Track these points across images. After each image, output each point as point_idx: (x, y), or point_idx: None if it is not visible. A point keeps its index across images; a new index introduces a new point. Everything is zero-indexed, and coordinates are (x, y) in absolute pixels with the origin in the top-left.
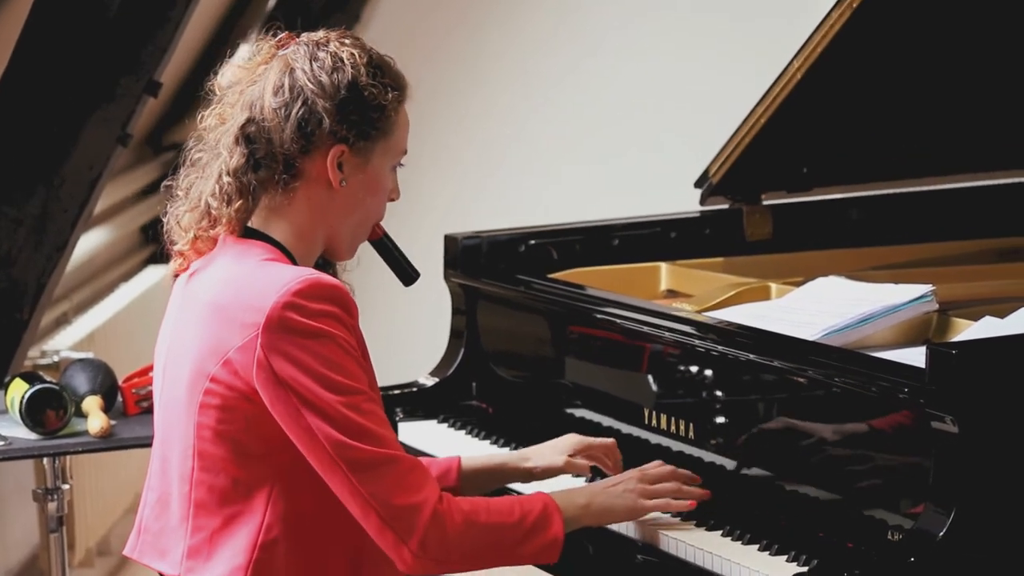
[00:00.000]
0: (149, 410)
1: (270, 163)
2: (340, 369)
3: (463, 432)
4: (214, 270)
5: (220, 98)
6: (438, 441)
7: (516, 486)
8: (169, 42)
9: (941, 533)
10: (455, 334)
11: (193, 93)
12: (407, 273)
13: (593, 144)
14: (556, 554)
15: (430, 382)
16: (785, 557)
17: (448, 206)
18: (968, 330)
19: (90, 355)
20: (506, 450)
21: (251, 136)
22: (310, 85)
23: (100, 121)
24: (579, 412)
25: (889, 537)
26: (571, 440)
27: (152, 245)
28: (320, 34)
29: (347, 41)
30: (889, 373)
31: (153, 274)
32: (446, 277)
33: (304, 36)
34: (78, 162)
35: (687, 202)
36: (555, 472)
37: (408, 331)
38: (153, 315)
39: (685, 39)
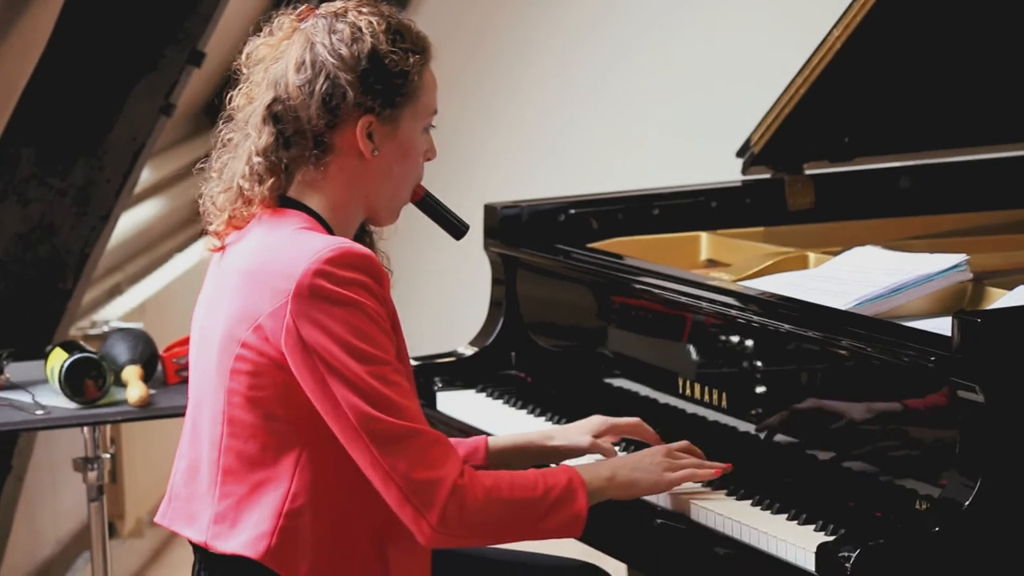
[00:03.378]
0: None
1: (300, 140)
2: (367, 338)
3: (500, 401)
4: (249, 240)
5: (247, 77)
6: (476, 410)
7: None
8: (212, 11)
9: (967, 503)
10: (495, 304)
11: None
12: (456, 227)
13: (636, 116)
14: (580, 528)
15: (469, 351)
16: (813, 526)
17: (489, 176)
18: (1002, 299)
19: (136, 325)
20: (542, 424)
21: (278, 115)
22: (331, 59)
23: (143, 92)
24: (617, 382)
25: (917, 507)
26: (596, 421)
27: None
28: (338, 4)
29: (364, 9)
30: (916, 342)
31: (205, 246)
32: (485, 247)
33: (323, 7)
34: (121, 133)
35: (728, 173)
36: (579, 452)
37: (448, 301)
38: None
39: (728, 11)
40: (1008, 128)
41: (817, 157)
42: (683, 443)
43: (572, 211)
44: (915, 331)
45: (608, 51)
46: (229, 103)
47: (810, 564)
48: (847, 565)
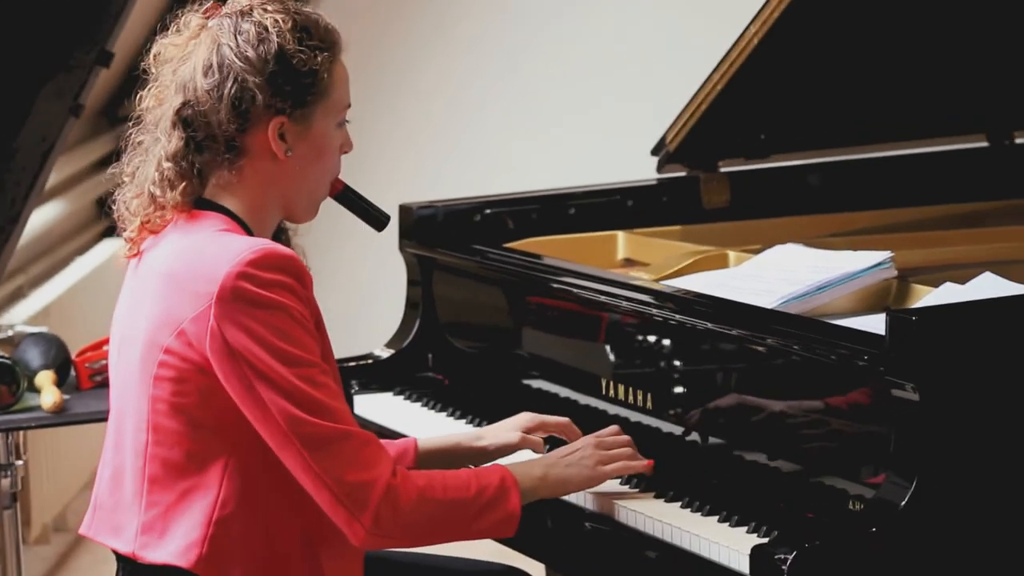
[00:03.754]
0: (103, 384)
1: (211, 144)
2: (293, 340)
3: (419, 404)
4: (166, 243)
5: (155, 77)
6: (395, 413)
7: None
8: (121, 11)
9: (903, 503)
10: (410, 305)
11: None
12: (377, 219)
13: (549, 112)
14: (513, 528)
15: (385, 354)
16: (745, 528)
17: (404, 178)
18: (928, 296)
19: (44, 329)
20: (463, 427)
21: (188, 119)
22: (238, 62)
23: (52, 93)
24: (536, 383)
25: (850, 507)
26: (524, 417)
27: (107, 219)
28: (245, 2)
29: (270, 7)
30: (848, 340)
31: (108, 247)
32: (401, 247)
33: (229, 4)
34: (30, 134)
35: (642, 171)
36: (510, 450)
37: (362, 302)
38: (108, 289)
39: (641, 3)
40: (923, 124)
41: (732, 155)
42: (611, 428)
43: (488, 211)
44: (847, 329)
45: (515, 47)
46: (138, 104)
47: (744, 567)
48: (783, 568)
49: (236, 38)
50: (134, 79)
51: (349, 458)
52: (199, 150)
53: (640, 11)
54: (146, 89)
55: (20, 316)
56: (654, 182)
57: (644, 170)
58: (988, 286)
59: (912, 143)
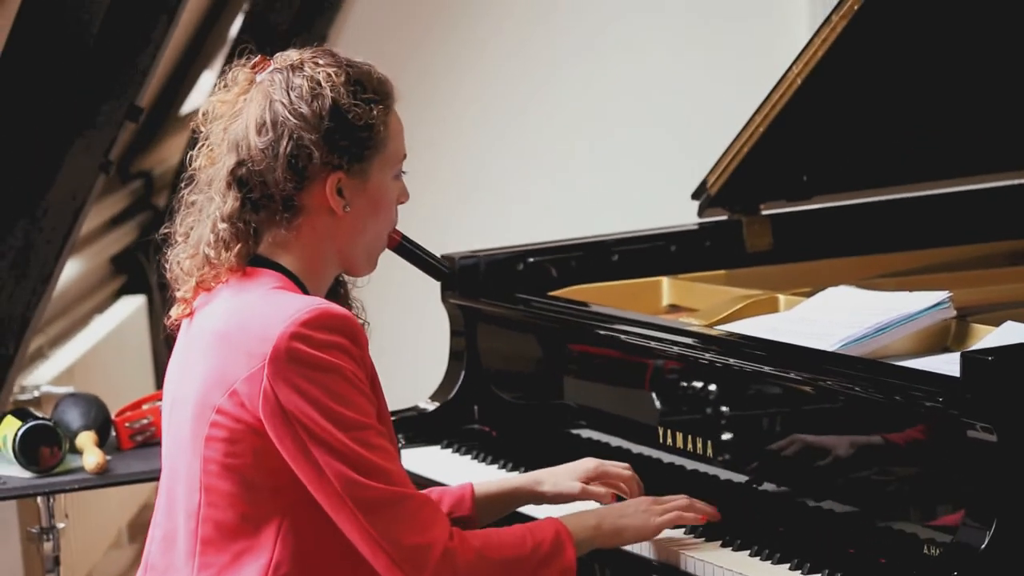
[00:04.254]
0: (144, 444)
1: (268, 203)
2: (348, 403)
3: (468, 457)
4: (219, 301)
5: (206, 136)
6: (444, 467)
7: (529, 510)
8: (150, 66)
9: (982, 546)
10: (455, 356)
11: (159, 120)
12: (437, 269)
13: (583, 156)
14: None
15: (431, 406)
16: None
17: (428, 223)
18: (989, 336)
19: (70, 389)
20: (517, 474)
21: (243, 179)
22: (292, 119)
23: (82, 149)
24: (586, 433)
25: (925, 552)
26: (587, 465)
27: (123, 275)
28: (294, 55)
29: (321, 61)
30: (920, 382)
31: (127, 305)
32: (443, 298)
33: (278, 57)
34: (61, 191)
35: (678, 215)
36: (569, 499)
37: (406, 355)
38: (130, 346)
39: (678, 42)
40: (968, 161)
41: (775, 197)
42: (678, 498)
43: (531, 259)
44: (918, 372)
45: (550, 93)
46: (190, 164)
47: None
48: None
49: (289, 94)
50: (145, 135)
51: (406, 521)
52: (255, 209)
53: (676, 48)
54: (197, 148)
55: (44, 377)
56: (696, 227)
57: (678, 215)
58: None
59: (954, 181)
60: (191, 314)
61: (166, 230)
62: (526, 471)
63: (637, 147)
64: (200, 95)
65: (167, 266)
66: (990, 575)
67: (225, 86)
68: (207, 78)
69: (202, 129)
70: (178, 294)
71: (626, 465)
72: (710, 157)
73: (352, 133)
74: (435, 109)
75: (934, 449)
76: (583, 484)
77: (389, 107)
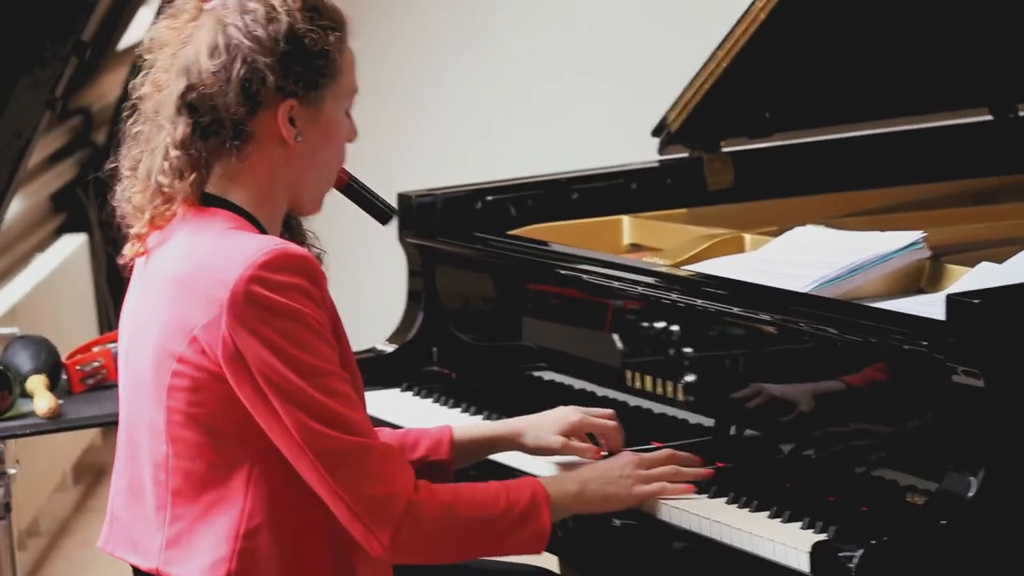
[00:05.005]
0: (95, 387)
1: (218, 129)
2: (308, 348)
3: (430, 400)
4: (175, 243)
5: (151, 63)
6: (405, 411)
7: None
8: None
9: (970, 494)
10: (412, 297)
11: (97, 56)
12: (383, 212)
13: (540, 93)
14: (542, 546)
15: (389, 348)
16: (799, 524)
17: (385, 163)
18: (965, 277)
19: (15, 330)
20: (498, 422)
21: (193, 104)
22: (246, 42)
23: (28, 86)
24: (548, 375)
25: (908, 500)
26: (570, 417)
27: (63, 213)
28: None
29: None
30: (902, 325)
31: (69, 243)
32: (400, 238)
33: None
34: (5, 129)
35: (638, 152)
36: (549, 452)
37: (362, 296)
38: (75, 285)
39: None
40: (930, 98)
41: (736, 134)
42: (663, 453)
43: (489, 197)
44: (901, 315)
45: (505, 27)
46: (133, 93)
47: (803, 565)
48: (850, 565)
49: (243, 17)
50: (82, 71)
51: (367, 472)
52: (204, 136)
53: None
54: (141, 76)
55: None
56: (656, 164)
57: (636, 152)
58: None
59: (918, 118)
60: (145, 253)
61: (112, 164)
62: (489, 415)
63: (595, 83)
64: (138, 31)
65: (116, 202)
66: (979, 524)
67: (173, 15)
68: (144, 14)
69: (147, 57)
70: (131, 231)
71: (611, 413)
72: (670, 94)
73: (308, 59)
74: (385, 42)
75: (916, 394)
76: (564, 438)
77: (344, 36)
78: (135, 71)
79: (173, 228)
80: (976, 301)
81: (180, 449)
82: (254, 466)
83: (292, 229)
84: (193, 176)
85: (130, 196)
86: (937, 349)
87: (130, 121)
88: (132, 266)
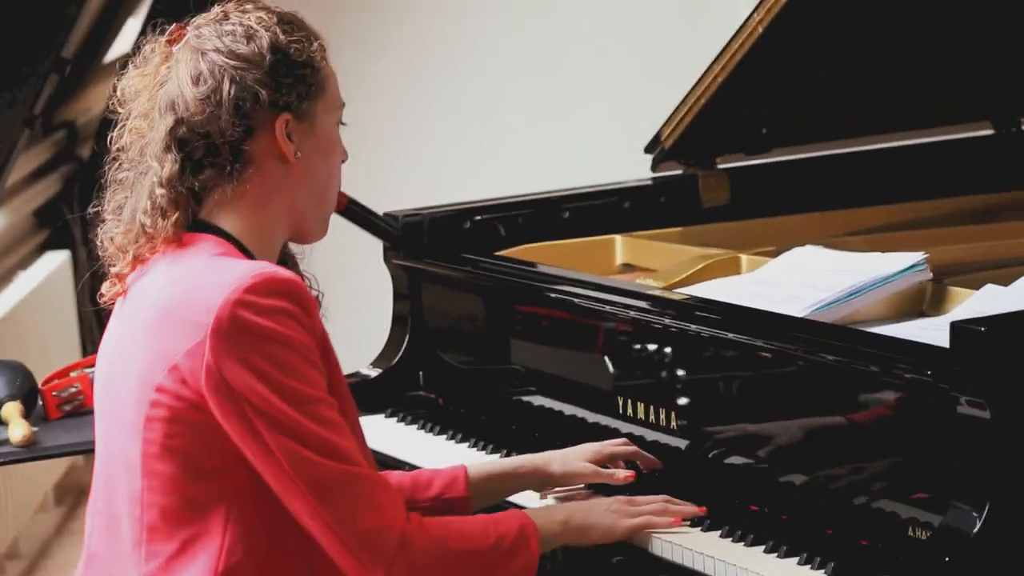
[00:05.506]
0: (73, 413)
1: (215, 158)
2: (297, 375)
3: (415, 427)
4: (155, 273)
5: (127, 114)
6: (391, 438)
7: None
8: (76, 17)
9: (975, 529)
10: (398, 320)
11: (82, 69)
12: (386, 231)
13: (531, 109)
14: None
15: (373, 373)
16: (796, 560)
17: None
18: (969, 300)
19: None
20: (467, 451)
21: (183, 138)
22: (231, 62)
23: (5, 104)
24: (537, 400)
25: (910, 534)
26: (593, 446)
27: (46, 230)
28: (214, 12)
29: (247, 7)
30: (906, 353)
31: (52, 260)
32: (386, 259)
33: (196, 20)
34: None
35: (630, 170)
36: (580, 480)
37: (347, 318)
38: (56, 304)
39: None
40: (932, 112)
41: (732, 150)
42: (656, 496)
43: (477, 217)
44: (905, 342)
45: (495, 43)
46: (110, 144)
47: None
48: None
49: (222, 40)
50: (68, 86)
51: (359, 502)
52: (198, 170)
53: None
54: (118, 128)
55: None
56: (650, 182)
57: (629, 170)
58: None
59: (918, 132)
60: (125, 292)
61: (96, 208)
62: (478, 443)
63: (587, 99)
64: (125, 42)
65: (100, 244)
66: (985, 560)
67: (141, 63)
68: (132, 25)
69: (120, 110)
70: (112, 271)
71: (624, 440)
72: (663, 109)
73: (296, 69)
74: (370, 61)
75: (919, 425)
76: (594, 465)
77: (325, 48)
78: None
79: (153, 260)
80: (982, 329)
81: (155, 483)
82: (232, 502)
83: (286, 265)
84: (176, 216)
85: (113, 237)
86: (941, 378)
87: (113, 168)
88: (112, 304)
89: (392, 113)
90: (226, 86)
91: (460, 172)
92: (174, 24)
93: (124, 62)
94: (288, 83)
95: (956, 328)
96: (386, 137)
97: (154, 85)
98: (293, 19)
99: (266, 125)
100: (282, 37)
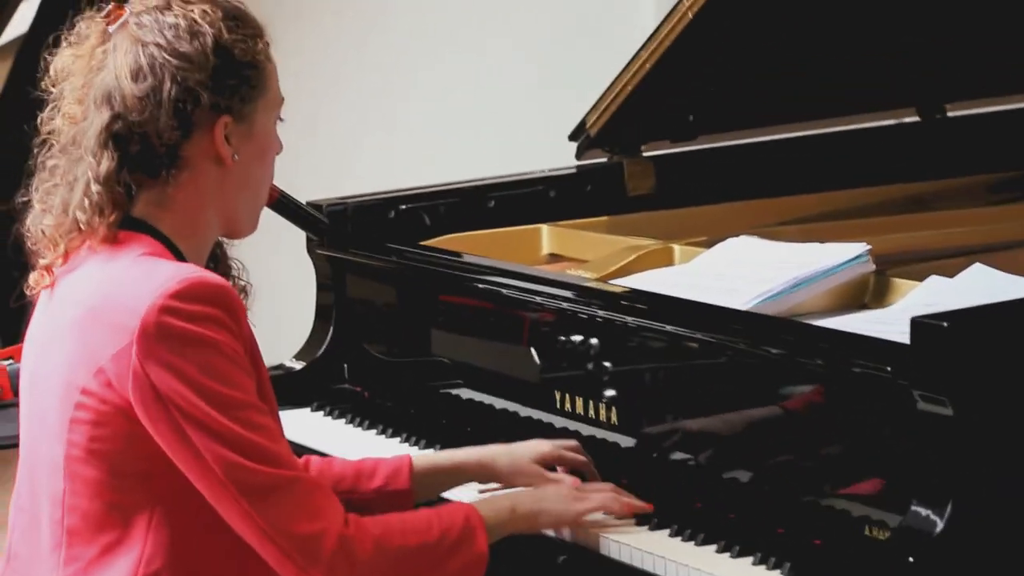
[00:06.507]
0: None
1: (150, 159)
2: (226, 380)
3: (342, 421)
4: (84, 271)
5: (59, 94)
6: (318, 433)
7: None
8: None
9: (938, 530)
10: (321, 312)
11: None
12: (317, 225)
13: (452, 98)
14: (482, 570)
15: (298, 365)
16: (750, 560)
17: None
18: (915, 292)
19: None
20: (399, 446)
21: (119, 134)
22: (173, 60)
23: None
24: (465, 393)
25: (867, 534)
26: (541, 447)
27: None
28: None
29: None
30: (865, 349)
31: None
32: (309, 249)
33: (135, 3)
34: None
35: (554, 158)
36: (525, 481)
37: (269, 310)
38: None
39: None
40: (863, 98)
41: (658, 137)
42: (604, 484)
43: (403, 206)
44: (864, 337)
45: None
46: (41, 126)
47: None
48: None
49: (164, 34)
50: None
51: (295, 507)
52: (133, 167)
53: None
54: (48, 110)
55: None
56: (575, 170)
57: (546, 157)
58: (982, 279)
59: (848, 119)
60: (52, 284)
61: (24, 198)
62: (409, 438)
63: (508, 86)
64: (20, 24)
65: (27, 231)
66: (948, 560)
67: (75, 41)
68: (25, 8)
69: (52, 89)
70: (42, 262)
71: (576, 444)
72: (589, 96)
73: (239, 71)
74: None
75: (876, 422)
76: (541, 467)
77: (268, 44)
78: (17, 67)
79: (82, 254)
80: (945, 324)
81: (78, 487)
82: (155, 509)
83: (218, 259)
84: (114, 215)
85: (44, 227)
86: (901, 375)
87: (43, 154)
88: (37, 296)
89: (303, 98)
90: (167, 85)
91: (374, 161)
92: (113, 3)
93: (56, 38)
94: (231, 85)
95: (917, 324)
96: (307, 129)
97: (89, 69)
98: (238, 13)
99: (205, 127)
100: (227, 35)
